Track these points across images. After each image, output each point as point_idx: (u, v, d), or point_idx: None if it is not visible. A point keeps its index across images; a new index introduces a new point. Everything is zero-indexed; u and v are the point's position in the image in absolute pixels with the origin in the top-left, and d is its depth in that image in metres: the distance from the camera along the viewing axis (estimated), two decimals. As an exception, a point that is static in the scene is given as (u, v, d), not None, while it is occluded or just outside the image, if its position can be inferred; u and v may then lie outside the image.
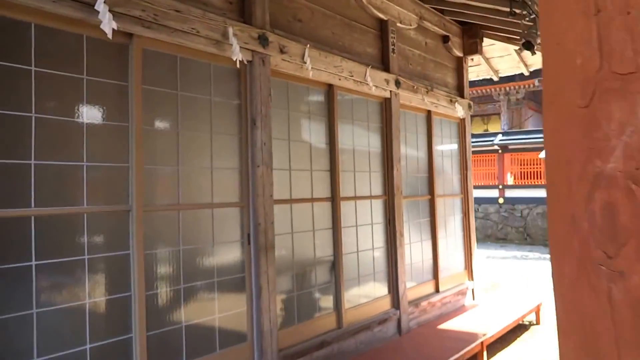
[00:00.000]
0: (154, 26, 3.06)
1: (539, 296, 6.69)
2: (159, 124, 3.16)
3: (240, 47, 3.57)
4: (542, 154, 13.30)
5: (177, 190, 3.22)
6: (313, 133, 4.36)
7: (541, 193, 14.82)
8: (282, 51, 3.92)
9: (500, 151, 15.46)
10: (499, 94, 19.37)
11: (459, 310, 6.03)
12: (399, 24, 5.38)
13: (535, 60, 7.39)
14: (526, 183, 15.37)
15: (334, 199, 4.48)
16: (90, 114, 2.79)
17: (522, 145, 15.39)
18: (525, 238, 15.05)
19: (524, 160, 15.47)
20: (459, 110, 6.41)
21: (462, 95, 6.56)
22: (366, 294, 4.82)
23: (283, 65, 3.96)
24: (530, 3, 4.17)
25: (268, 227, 3.72)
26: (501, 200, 15.46)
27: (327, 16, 4.55)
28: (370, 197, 4.96)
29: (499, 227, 15.22)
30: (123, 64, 2.98)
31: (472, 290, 6.53)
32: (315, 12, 4.43)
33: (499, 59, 7.53)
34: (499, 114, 20.42)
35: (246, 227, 3.65)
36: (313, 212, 4.29)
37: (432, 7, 5.96)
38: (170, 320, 3.12)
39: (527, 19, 4.27)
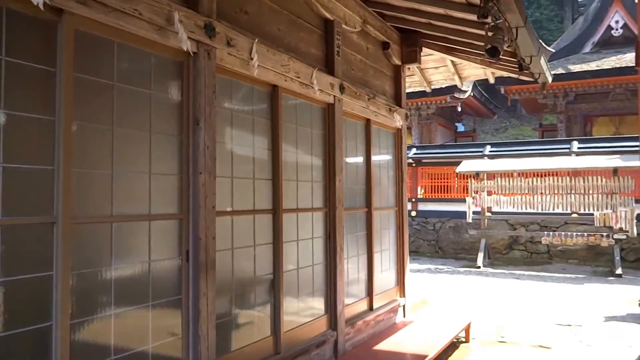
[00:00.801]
0: (90, 2, 2.67)
1: (467, 313, 6.85)
2: (91, 120, 2.75)
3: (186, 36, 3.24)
4: (459, 168, 13.87)
5: (111, 199, 2.82)
6: (257, 138, 4.09)
7: (453, 207, 15.43)
8: (229, 44, 3.63)
9: (414, 164, 15.92)
10: (410, 109, 20.07)
11: (392, 328, 5.99)
12: (344, 26, 5.26)
13: (470, 73, 7.61)
14: (439, 197, 15.94)
15: (276, 211, 4.23)
16: (7, 104, 2.35)
17: (436, 160, 15.94)
18: (437, 251, 15.59)
19: (437, 174, 16.04)
20: (397, 120, 6.41)
21: (399, 105, 6.58)
22: (305, 315, 4.61)
23: (228, 61, 3.67)
24: (497, 8, 4.20)
25: (209, 243, 3.40)
26: (414, 213, 15.92)
27: (274, 11, 4.32)
28: (312, 209, 4.77)
29: (411, 240, 15.64)
30: (50, 45, 2.56)
31: (404, 307, 6.53)
32: (263, 4, 4.18)
33: (433, 70, 7.67)
34: (410, 128, 21.15)
35: (185, 242, 3.31)
36: (254, 226, 4.02)
37: (374, 11, 5.91)
38: (97, 354, 2.71)
39: (493, 24, 4.30)
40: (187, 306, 3.29)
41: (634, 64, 17.61)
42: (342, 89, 5.11)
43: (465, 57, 6.90)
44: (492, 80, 7.78)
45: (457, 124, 23.94)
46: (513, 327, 7.25)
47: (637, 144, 14.02)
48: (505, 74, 7.33)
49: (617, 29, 19.89)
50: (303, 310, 4.59)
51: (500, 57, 6.52)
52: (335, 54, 5.07)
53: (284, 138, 4.37)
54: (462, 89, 18.47)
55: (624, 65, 17.63)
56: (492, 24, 4.42)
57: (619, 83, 17.74)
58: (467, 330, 6.47)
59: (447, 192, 16.01)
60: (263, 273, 4.10)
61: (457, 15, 5.38)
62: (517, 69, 6.52)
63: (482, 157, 15.09)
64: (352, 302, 5.44)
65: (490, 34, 4.47)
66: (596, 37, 19.97)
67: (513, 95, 19.07)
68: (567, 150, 14.43)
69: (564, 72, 18.44)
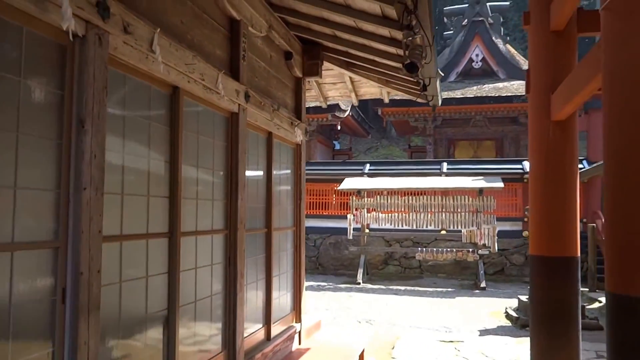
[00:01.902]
0: None
1: (360, 337, 6.51)
2: None
3: (72, 12, 2.46)
4: (342, 186, 13.76)
5: (-45, 223, 1.97)
6: (153, 147, 3.34)
7: (333, 223, 15.32)
8: (126, 30, 2.88)
9: (297, 179, 15.61)
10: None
11: (289, 358, 5.42)
12: (250, 28, 4.67)
13: (367, 91, 7.38)
14: (320, 213, 15.75)
15: (174, 234, 3.50)
16: None
17: (317, 177, 15.75)
18: (317, 267, 15.33)
19: (318, 190, 15.85)
20: (298, 135, 5.93)
21: (299, 118, 6.10)
22: (202, 352, 3.88)
23: (124, 51, 2.92)
24: (417, 22, 3.89)
25: (93, 278, 2.61)
26: (295, 228, 15.56)
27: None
28: (212, 231, 4.07)
29: (292, 256, 15.23)
30: None
31: (299, 332, 6.01)
32: (165, -10, 3.47)
33: (331, 85, 7.33)
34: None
35: (61, 278, 2.49)
36: (148, 252, 3.25)
37: (280, 17, 5.40)
38: None
39: (412, 38, 3.97)
40: (60, 361, 2.47)
41: (492, 94, 18.97)
42: (247, 97, 4.50)
43: (364, 75, 6.64)
44: (386, 100, 7.63)
45: (334, 142, 24.15)
46: (403, 347, 7.04)
47: (496, 166, 14.95)
48: (400, 94, 7.20)
49: (477, 62, 21.34)
50: (200, 349, 3.86)
51: (399, 76, 6.37)
52: (241, 58, 4.46)
53: (184, 149, 3.66)
54: (342, 108, 18.60)
55: (483, 95, 18.90)
56: (411, 38, 4.11)
57: (479, 111, 18.99)
58: (361, 356, 6.10)
59: (328, 209, 15.87)
60: (157, 309, 3.33)
61: (367, 28, 5.05)
62: (417, 90, 6.39)
63: (362, 175, 15.17)
64: (250, 333, 4.79)
65: (408, 49, 4.16)
66: (460, 68, 21.24)
67: (388, 117, 19.60)
68: (438, 170, 14.98)
69: (432, 98, 19.33)
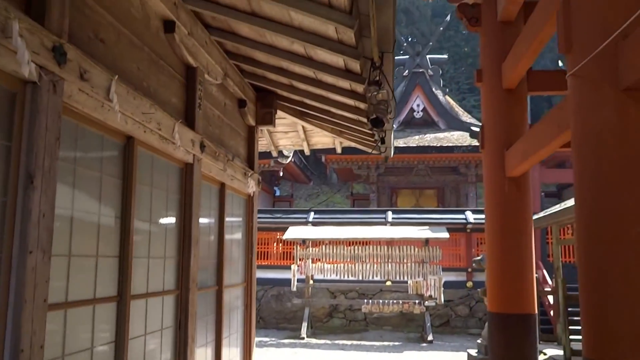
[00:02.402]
0: None
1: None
2: None
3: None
4: (286, 235, 13.58)
5: None
6: (104, 202, 3.12)
7: (275, 274, 15.02)
8: (82, 77, 2.72)
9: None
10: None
11: None
12: (206, 76, 4.58)
13: (319, 141, 7.39)
14: (261, 263, 15.44)
15: (123, 298, 3.24)
16: None
17: (259, 225, 15.48)
18: (259, 321, 14.88)
19: (259, 239, 15.58)
20: (251, 186, 5.80)
21: (252, 168, 5.98)
22: None
23: (79, 99, 2.74)
24: (384, 76, 3.93)
25: (35, 356, 2.34)
26: (234, 279, 15.14)
27: (134, 45, 3.48)
28: (163, 292, 3.83)
29: (232, 308, 14.72)
30: None
31: (248, 398, 5.70)
32: (122, 35, 3.33)
33: (282, 134, 7.29)
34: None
35: (-2, 356, 2.21)
36: (94, 319, 2.98)
37: (235, 64, 5.34)
38: None
39: (377, 92, 4.00)
40: None
41: (434, 144, 19.63)
42: (202, 147, 4.36)
43: (318, 125, 6.66)
44: (339, 150, 7.68)
45: (275, 188, 24.04)
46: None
47: (441, 216, 15.30)
48: (352, 144, 7.26)
49: (418, 112, 22.09)
50: None
51: (353, 127, 6.43)
52: (197, 107, 4.34)
53: (137, 203, 3.45)
54: (285, 154, 18.63)
55: (426, 145, 19.51)
56: (376, 93, 4.14)
57: (422, 160, 19.54)
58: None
59: (270, 259, 15.59)
60: (101, 384, 3.04)
61: (327, 80, 5.08)
62: (371, 142, 6.46)
63: (306, 223, 15.08)
64: (198, 403, 4.48)
65: (372, 104, 4.19)
66: (402, 117, 21.90)
67: (332, 165, 19.79)
68: (383, 220, 15.13)
69: (375, 146, 19.76)
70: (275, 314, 14.83)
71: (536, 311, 4.93)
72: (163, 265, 3.86)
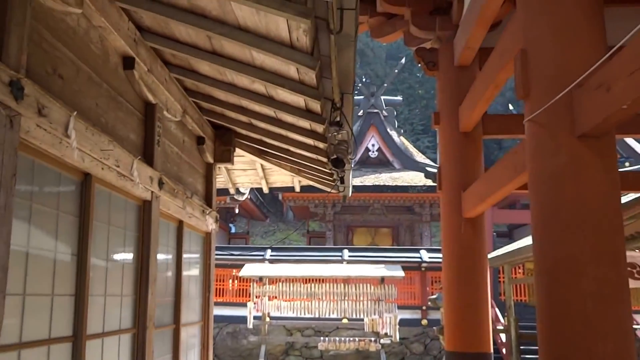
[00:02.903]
0: None
1: None
2: None
3: (-16, 92, 2.21)
4: (243, 272, 13.35)
5: None
6: (60, 240, 3.00)
7: (231, 311, 14.69)
8: (40, 113, 2.64)
9: (193, 264, 14.98)
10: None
11: None
12: (165, 113, 4.53)
13: (278, 179, 7.37)
14: (217, 300, 15.07)
15: (79, 338, 3.08)
16: None
17: (215, 261, 15.21)
18: (214, 359, 14.43)
19: (217, 276, 15.26)
20: (210, 223, 5.70)
21: (210, 206, 5.90)
22: None
23: (37, 135, 2.65)
24: (341, 119, 3.98)
25: (-22, 404, 2.18)
26: (188, 318, 14.71)
27: (92, 81, 3.42)
28: (120, 331, 3.66)
29: (185, 349, 14.25)
30: None
31: None
32: (81, 71, 3.27)
33: (241, 172, 7.25)
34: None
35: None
36: (44, 364, 2.82)
37: (193, 101, 5.31)
38: None
39: (338, 133, 4.03)
40: None
41: (389, 183, 19.90)
42: (161, 184, 4.27)
43: (276, 163, 6.67)
44: (297, 189, 7.68)
45: (230, 225, 23.75)
46: None
47: (396, 255, 15.40)
48: (312, 183, 7.28)
49: (373, 151, 22.43)
50: None
51: (312, 167, 6.46)
52: (156, 143, 4.27)
53: (94, 241, 3.33)
54: (241, 190, 18.49)
55: (381, 184, 19.77)
56: (336, 133, 4.19)
57: (377, 199, 19.76)
58: None
59: (225, 296, 15.25)
60: None
61: (287, 119, 5.11)
62: (330, 181, 6.49)
63: (263, 260, 14.88)
64: None
65: (333, 144, 4.23)
66: (357, 156, 22.19)
67: (289, 202, 19.76)
68: (340, 258, 15.11)
69: (332, 184, 19.89)
70: (231, 352, 14.43)
71: (491, 349, 4.97)
72: (120, 304, 3.71)
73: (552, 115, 2.65)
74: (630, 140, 17.84)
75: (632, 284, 5.11)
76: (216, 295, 15.17)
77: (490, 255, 11.21)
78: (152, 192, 4.14)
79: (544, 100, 2.69)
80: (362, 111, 23.03)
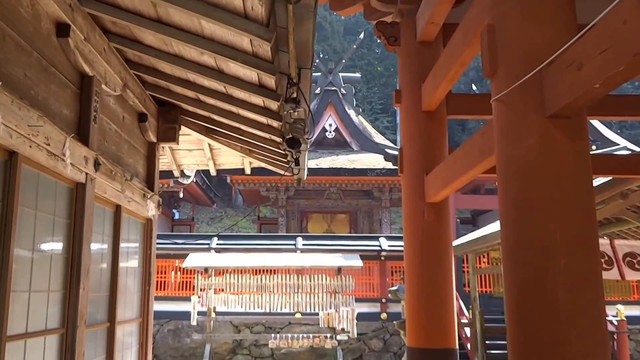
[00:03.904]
0: None
1: None
2: None
3: None
4: (186, 262, 13.23)
5: None
6: (-20, 227, 2.90)
7: (173, 306, 14.55)
8: (-42, 84, 2.53)
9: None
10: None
11: None
12: (104, 86, 4.41)
13: (227, 160, 7.32)
14: (157, 294, 14.88)
15: (-1, 340, 3.00)
16: None
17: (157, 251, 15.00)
18: None
19: (158, 267, 15.06)
20: (151, 209, 5.62)
21: (152, 189, 5.80)
22: None
23: (-46, 108, 2.54)
24: (302, 93, 3.97)
25: None
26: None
27: (21, 49, 3.29)
28: (46, 331, 3.58)
29: (122, 347, 14.05)
30: None
31: None
32: (8, 37, 3.14)
33: (187, 152, 7.15)
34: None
35: None
36: (-37, 367, 2.73)
37: (135, 74, 5.20)
38: None
39: (294, 111, 4.02)
40: None
41: (346, 166, 20.06)
42: (97, 165, 4.17)
43: (226, 143, 6.62)
44: (248, 171, 7.65)
45: (174, 211, 23.43)
46: None
47: (354, 243, 15.59)
48: (264, 165, 7.26)
49: (330, 132, 22.51)
50: None
51: (264, 147, 6.45)
52: (92, 120, 4.16)
53: (19, 229, 3.23)
54: (186, 173, 18.24)
55: (338, 167, 19.88)
56: (292, 111, 4.19)
57: (334, 183, 19.87)
58: None
59: (167, 290, 15.09)
60: None
61: (239, 96, 5.08)
62: (284, 162, 6.50)
63: (208, 250, 14.79)
64: None
65: (289, 122, 4.23)
66: (313, 137, 22.22)
67: (238, 186, 19.62)
68: (293, 246, 15.17)
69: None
70: (172, 352, 14.31)
71: (457, 345, 5.11)
72: (47, 300, 3.62)
73: (521, 95, 2.73)
74: (596, 123, 18.57)
75: (603, 274, 5.35)
76: (157, 289, 14.99)
77: (453, 244, 11.50)
78: (86, 174, 4.04)
79: (512, 78, 2.76)
80: (319, 89, 23.02)
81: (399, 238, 14.69)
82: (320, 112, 22.53)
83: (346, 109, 22.66)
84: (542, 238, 2.57)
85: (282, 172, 6.99)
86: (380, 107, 38.76)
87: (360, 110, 26.91)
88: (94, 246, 4.45)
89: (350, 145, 22.27)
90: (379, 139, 23.12)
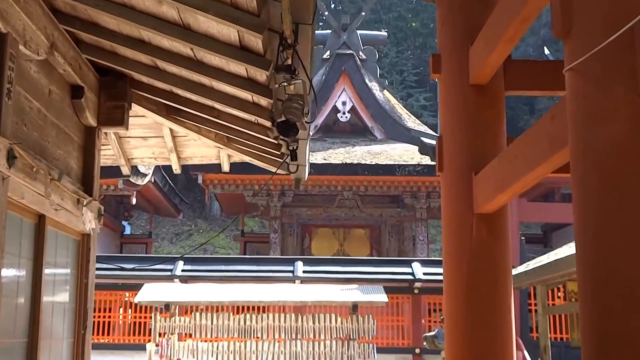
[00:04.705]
0: None
1: None
2: None
3: None
4: (140, 296, 13.31)
5: None
6: None
7: (121, 358, 14.68)
8: None
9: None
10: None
11: None
12: (22, 47, 4.45)
13: (196, 152, 7.39)
14: (98, 341, 15.02)
15: None
16: None
17: (96, 280, 15.15)
18: None
19: (100, 303, 15.18)
20: (88, 220, 5.67)
21: (90, 193, 5.85)
22: None
23: None
24: (296, 60, 4.00)
25: None
26: None
27: None
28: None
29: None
30: None
31: None
32: None
33: (140, 140, 7.21)
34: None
35: None
36: None
37: (67, 30, 5.23)
38: None
39: (289, 83, 4.05)
40: None
41: (366, 161, 20.07)
42: (11, 158, 4.20)
43: (194, 128, 6.66)
44: (226, 168, 7.70)
45: (124, 223, 23.59)
46: None
47: (375, 270, 15.62)
48: (248, 159, 7.31)
49: (344, 113, 22.52)
50: None
51: (249, 134, 6.49)
52: (4, 95, 4.20)
53: None
54: (141, 170, 18.34)
55: (355, 162, 19.91)
56: (286, 84, 4.21)
57: (349, 185, 19.91)
58: None
59: (112, 334, 15.20)
60: None
61: (212, 62, 5.11)
62: (276, 156, 6.54)
63: (171, 278, 14.88)
64: None
65: (283, 100, 4.26)
66: (320, 120, 22.27)
67: (213, 188, 19.71)
68: (291, 274, 15.22)
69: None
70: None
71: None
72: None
73: (606, 63, 2.70)
74: None
75: None
76: (97, 333, 15.10)
77: (515, 271, 11.44)
78: (-3, 171, 4.08)
79: (594, 40, 2.74)
80: (328, 52, 23.09)
81: (439, 263, 14.63)
82: (329, 85, 22.61)
83: (366, 80, 22.73)
84: (635, 262, 2.56)
85: (274, 169, 7.01)
86: (415, 78, 38.88)
87: (387, 82, 27.02)
88: (6, 273, 4.49)
89: (371, 131, 22.32)
90: (412, 122, 23.16)
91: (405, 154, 20.32)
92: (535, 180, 4.33)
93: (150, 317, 13.48)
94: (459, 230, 5.31)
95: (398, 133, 21.73)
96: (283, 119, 4.32)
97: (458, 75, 5.49)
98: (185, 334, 13.35)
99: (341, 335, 13.41)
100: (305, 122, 4.65)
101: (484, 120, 5.41)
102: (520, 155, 4.26)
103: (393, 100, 23.98)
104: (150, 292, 13.54)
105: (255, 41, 4.39)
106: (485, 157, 5.15)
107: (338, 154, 20.62)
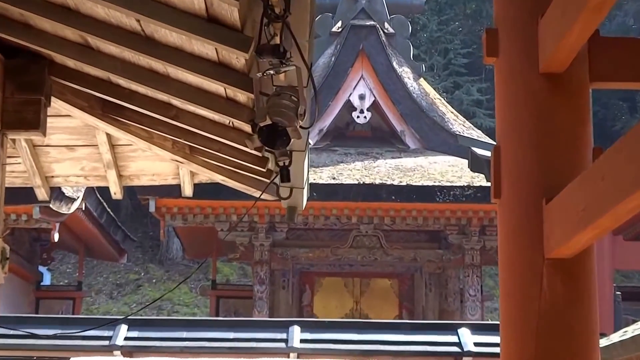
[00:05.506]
0: None
1: None
2: None
3: None
4: None
5: None
6: None
7: None
8: None
9: None
10: None
11: None
12: None
13: (146, 167, 7.42)
14: None
15: None
16: None
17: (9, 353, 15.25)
18: None
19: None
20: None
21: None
22: None
23: None
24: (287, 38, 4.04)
25: None
26: None
27: None
28: None
29: None
30: None
31: None
32: None
33: (63, 152, 7.24)
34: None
35: None
36: None
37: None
38: None
39: (277, 71, 4.08)
40: None
41: (393, 181, 19.99)
42: None
43: (143, 134, 6.68)
44: (188, 191, 7.73)
45: (41, 269, 23.64)
46: None
47: (406, 338, 15.61)
48: (219, 179, 7.33)
49: (362, 111, 22.35)
50: None
51: (221, 142, 6.52)
52: None
53: None
54: (67, 194, 18.39)
55: (377, 182, 19.85)
56: (273, 72, 4.23)
57: (369, 216, 19.85)
58: None
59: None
60: None
61: (169, 40, 5.13)
62: (262, 174, 6.56)
63: (109, 350, 14.91)
64: None
65: (266, 93, 4.29)
66: (327, 122, 22.22)
67: (171, 220, 19.71)
68: (283, 344, 15.21)
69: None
70: None
71: None
72: None
73: None
74: None
75: None
76: None
77: (606, 342, 11.39)
78: None
79: None
80: (339, 23, 23.11)
81: (497, 329, 14.56)
82: (341, 71, 22.53)
83: (394, 64, 22.64)
84: None
85: (257, 193, 7.04)
86: (466, 61, 38.96)
87: (425, 67, 27.00)
88: None
89: (401, 138, 22.20)
90: (459, 126, 23.06)
91: (449, 170, 20.28)
92: (634, 211, 4.32)
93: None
94: (524, 282, 5.30)
95: (440, 141, 21.68)
96: (268, 122, 4.33)
97: (523, 59, 5.51)
98: None
99: None
100: (301, 127, 4.66)
101: (560, 123, 5.42)
102: (612, 174, 4.26)
103: (433, 94, 23.98)
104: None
105: (228, 9, 4.42)
106: (561, 177, 5.16)
107: (353, 171, 20.58)
